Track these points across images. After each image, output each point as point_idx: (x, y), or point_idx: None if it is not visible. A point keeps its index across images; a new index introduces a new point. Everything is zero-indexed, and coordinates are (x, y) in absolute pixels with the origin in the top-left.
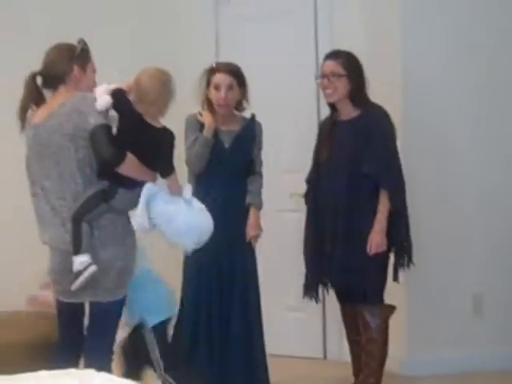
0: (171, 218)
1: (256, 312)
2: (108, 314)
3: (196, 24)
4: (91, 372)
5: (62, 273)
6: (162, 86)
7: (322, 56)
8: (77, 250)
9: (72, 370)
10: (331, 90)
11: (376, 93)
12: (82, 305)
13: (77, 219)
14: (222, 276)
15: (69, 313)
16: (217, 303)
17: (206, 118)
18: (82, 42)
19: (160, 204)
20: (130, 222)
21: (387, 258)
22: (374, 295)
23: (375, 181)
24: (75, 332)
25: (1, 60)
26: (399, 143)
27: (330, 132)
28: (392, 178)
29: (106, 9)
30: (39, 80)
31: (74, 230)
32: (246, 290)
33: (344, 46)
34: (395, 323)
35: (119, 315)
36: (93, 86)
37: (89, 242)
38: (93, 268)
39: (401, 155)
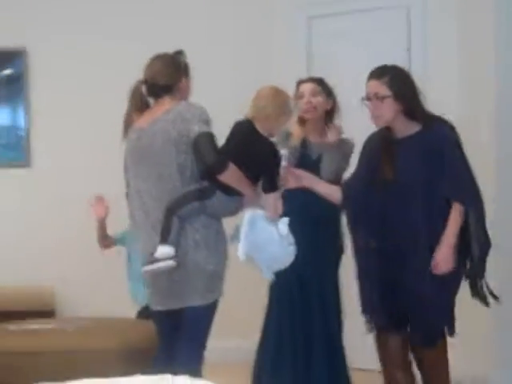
0: (262, 247)
1: (336, 323)
2: (199, 319)
3: (289, 40)
4: (185, 379)
5: (155, 279)
6: (279, 103)
7: (415, 70)
8: (164, 239)
9: (167, 376)
10: (377, 113)
11: None
12: (179, 312)
13: (170, 211)
14: (303, 284)
15: (167, 321)
16: (298, 309)
17: (295, 130)
18: (184, 55)
19: (255, 233)
20: (222, 230)
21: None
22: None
23: (456, 201)
24: (172, 338)
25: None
26: None
27: (388, 150)
28: (470, 194)
29: (208, 30)
30: (144, 88)
31: (165, 220)
32: (325, 299)
33: (438, 65)
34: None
35: (211, 320)
36: (188, 96)
37: (176, 237)
38: (171, 263)
39: None
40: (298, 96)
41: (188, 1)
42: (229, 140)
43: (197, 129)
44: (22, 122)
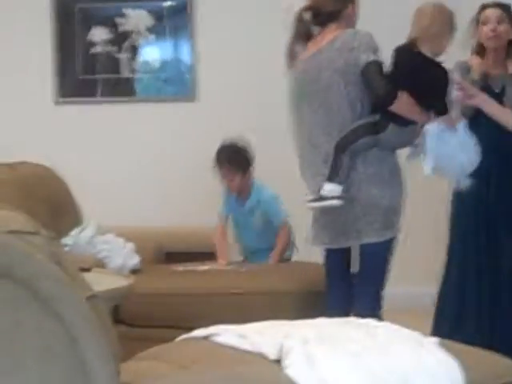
0: (452, 156)
1: None
2: (376, 257)
3: None
4: (372, 321)
5: (326, 216)
6: (445, 20)
7: None
8: (332, 177)
9: (351, 319)
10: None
11: None
12: (348, 250)
13: (340, 147)
14: (491, 225)
15: (336, 260)
16: (484, 254)
17: (474, 62)
18: None
19: (441, 145)
20: (397, 162)
21: None
22: None
23: None
24: (343, 279)
25: None
26: None
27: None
28: None
29: None
30: (307, 16)
31: (334, 158)
32: None
33: None
34: None
35: (388, 258)
36: (355, 23)
37: (346, 176)
38: (337, 202)
39: None
40: (482, 21)
41: None
42: (395, 68)
43: (364, 57)
44: (186, 56)
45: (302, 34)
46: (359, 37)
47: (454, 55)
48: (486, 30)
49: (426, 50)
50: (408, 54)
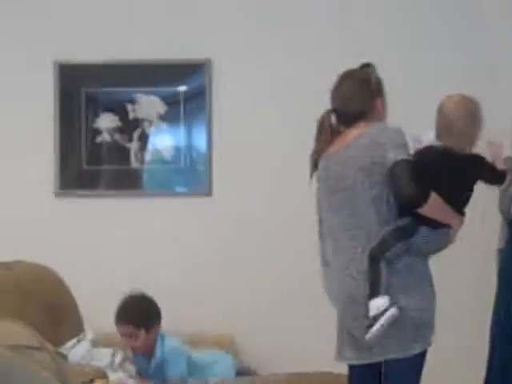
0: None
1: None
2: (404, 373)
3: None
4: None
5: (346, 327)
6: (470, 115)
7: None
8: (375, 292)
9: None
10: None
11: None
12: (376, 366)
13: (376, 257)
14: None
15: (361, 376)
16: None
17: None
18: (373, 68)
19: None
20: (428, 270)
21: None
22: None
23: None
24: None
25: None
26: None
27: None
28: None
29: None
30: (333, 118)
31: (371, 270)
32: None
33: None
34: None
35: (418, 374)
36: (385, 117)
37: (387, 285)
38: (394, 310)
39: None
40: None
41: None
42: (423, 167)
43: (392, 156)
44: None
45: (329, 139)
46: (387, 133)
47: None
48: None
49: (452, 145)
50: (434, 152)
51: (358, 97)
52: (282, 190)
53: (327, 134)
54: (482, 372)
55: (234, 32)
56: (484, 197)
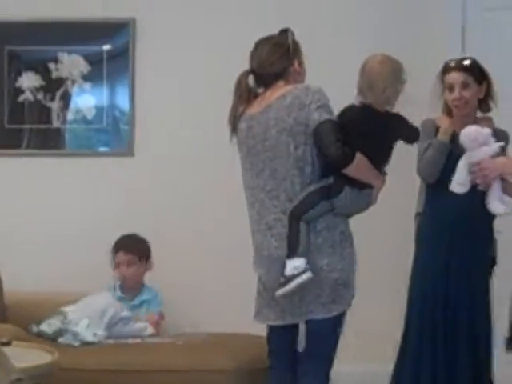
0: None
1: (486, 352)
2: (324, 334)
3: (441, 14)
4: None
5: (268, 287)
6: (393, 73)
7: None
8: (292, 253)
9: None
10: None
11: None
12: (294, 327)
13: (296, 217)
14: (448, 306)
15: (280, 338)
16: (441, 337)
17: (443, 121)
18: (291, 33)
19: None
20: (349, 230)
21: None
22: None
23: None
24: (288, 358)
25: None
26: None
27: None
28: None
29: None
30: (251, 79)
31: (291, 230)
32: (474, 324)
33: None
34: None
35: (337, 335)
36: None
37: (307, 245)
38: (307, 275)
39: None
40: (446, 87)
41: None
42: (345, 126)
43: (317, 116)
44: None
45: (246, 97)
46: (311, 93)
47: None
48: (451, 97)
49: (373, 101)
50: (356, 109)
51: (274, 58)
52: (204, 150)
53: (245, 95)
54: (399, 332)
55: None
56: (403, 160)
